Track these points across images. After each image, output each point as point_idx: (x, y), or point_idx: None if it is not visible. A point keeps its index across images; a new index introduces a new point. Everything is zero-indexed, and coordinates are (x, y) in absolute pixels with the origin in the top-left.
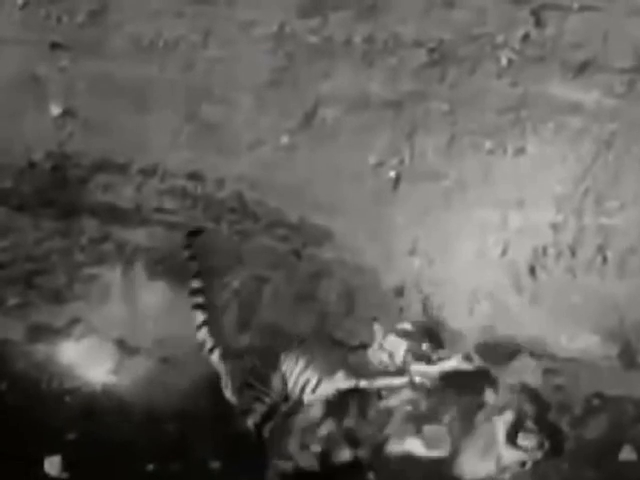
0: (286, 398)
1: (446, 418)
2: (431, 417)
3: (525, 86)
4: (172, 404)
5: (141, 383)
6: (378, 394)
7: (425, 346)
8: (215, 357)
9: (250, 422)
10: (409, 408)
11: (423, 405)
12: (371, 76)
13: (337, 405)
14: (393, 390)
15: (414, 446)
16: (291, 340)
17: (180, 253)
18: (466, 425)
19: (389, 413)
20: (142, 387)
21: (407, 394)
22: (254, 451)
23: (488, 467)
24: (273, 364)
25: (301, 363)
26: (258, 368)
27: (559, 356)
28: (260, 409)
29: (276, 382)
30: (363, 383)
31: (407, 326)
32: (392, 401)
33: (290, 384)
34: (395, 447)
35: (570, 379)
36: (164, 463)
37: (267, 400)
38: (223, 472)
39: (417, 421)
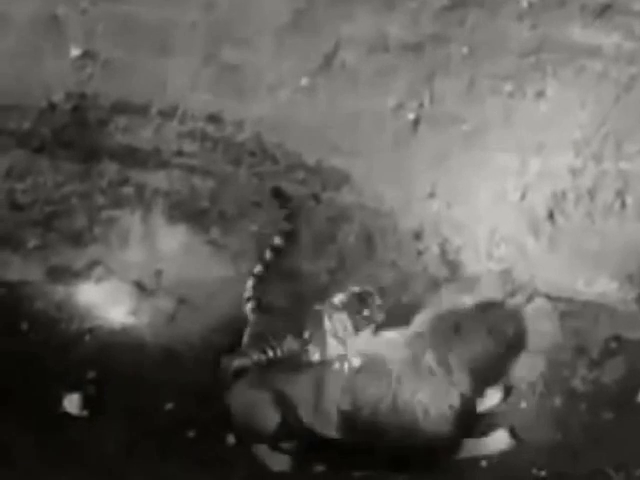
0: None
1: None
2: None
3: (545, 29)
4: (191, 344)
5: (159, 324)
6: None
7: (365, 312)
8: (248, 307)
9: (236, 362)
10: None
11: None
12: (391, 19)
13: None
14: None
15: None
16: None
17: (199, 196)
18: None
19: None
20: (160, 328)
21: None
22: None
23: None
24: (297, 330)
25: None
26: (280, 328)
27: (577, 299)
28: (256, 357)
29: (291, 344)
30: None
31: (341, 298)
32: None
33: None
34: None
35: (588, 322)
36: (183, 402)
37: (270, 354)
38: None
39: None
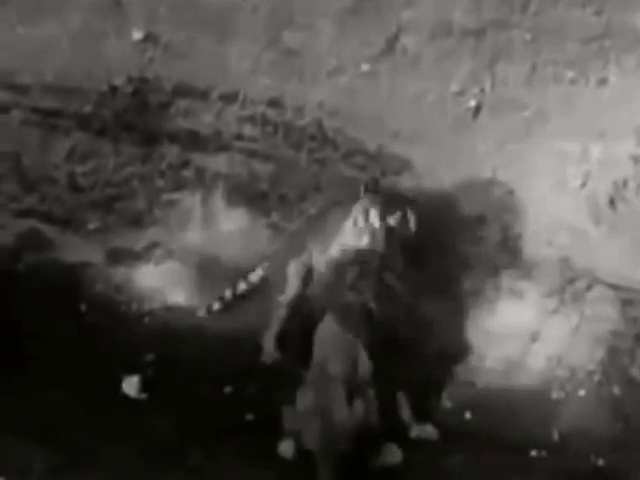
0: None
1: None
2: None
3: (609, 16)
4: (250, 327)
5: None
6: None
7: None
8: None
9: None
10: None
11: None
12: (454, 4)
13: None
14: None
15: None
16: None
17: (259, 180)
18: None
19: None
20: (220, 310)
21: None
22: None
23: None
24: None
25: None
26: None
27: (636, 288)
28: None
29: None
30: None
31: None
32: None
33: None
34: None
35: None
36: (242, 386)
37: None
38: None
39: None
